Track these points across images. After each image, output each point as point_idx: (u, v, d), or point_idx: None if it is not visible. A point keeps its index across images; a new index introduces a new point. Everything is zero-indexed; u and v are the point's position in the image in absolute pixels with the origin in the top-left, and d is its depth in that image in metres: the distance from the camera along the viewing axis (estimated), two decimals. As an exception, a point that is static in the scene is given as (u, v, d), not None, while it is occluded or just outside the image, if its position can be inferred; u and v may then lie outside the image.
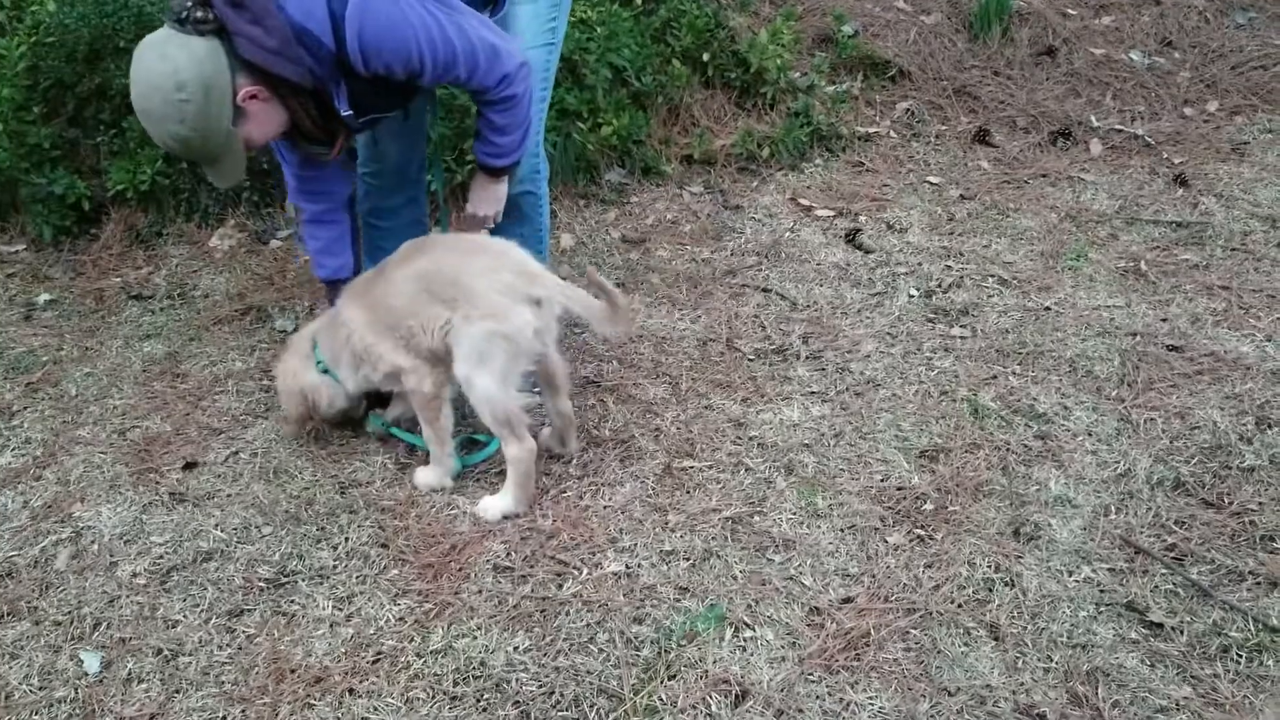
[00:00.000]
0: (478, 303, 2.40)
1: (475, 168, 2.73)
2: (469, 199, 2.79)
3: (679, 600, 2.28)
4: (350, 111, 2.43)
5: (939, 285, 3.53)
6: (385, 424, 2.80)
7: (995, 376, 3.04)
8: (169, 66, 2.21)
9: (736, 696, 2.05)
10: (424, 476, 2.64)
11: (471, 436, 2.78)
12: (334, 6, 2.29)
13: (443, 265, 2.49)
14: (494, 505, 2.53)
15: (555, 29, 2.82)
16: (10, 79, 3.60)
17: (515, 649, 2.16)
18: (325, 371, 2.68)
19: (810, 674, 2.10)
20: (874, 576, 2.35)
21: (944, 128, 4.68)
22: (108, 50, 3.61)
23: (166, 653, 2.18)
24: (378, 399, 2.80)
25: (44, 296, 3.53)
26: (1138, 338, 3.21)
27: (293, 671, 2.13)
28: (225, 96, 2.27)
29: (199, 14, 2.23)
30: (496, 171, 2.70)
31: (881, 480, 2.64)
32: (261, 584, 2.35)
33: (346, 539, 2.48)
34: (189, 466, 2.73)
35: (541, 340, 2.45)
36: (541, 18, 2.78)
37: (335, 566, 2.40)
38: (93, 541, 2.48)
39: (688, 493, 2.60)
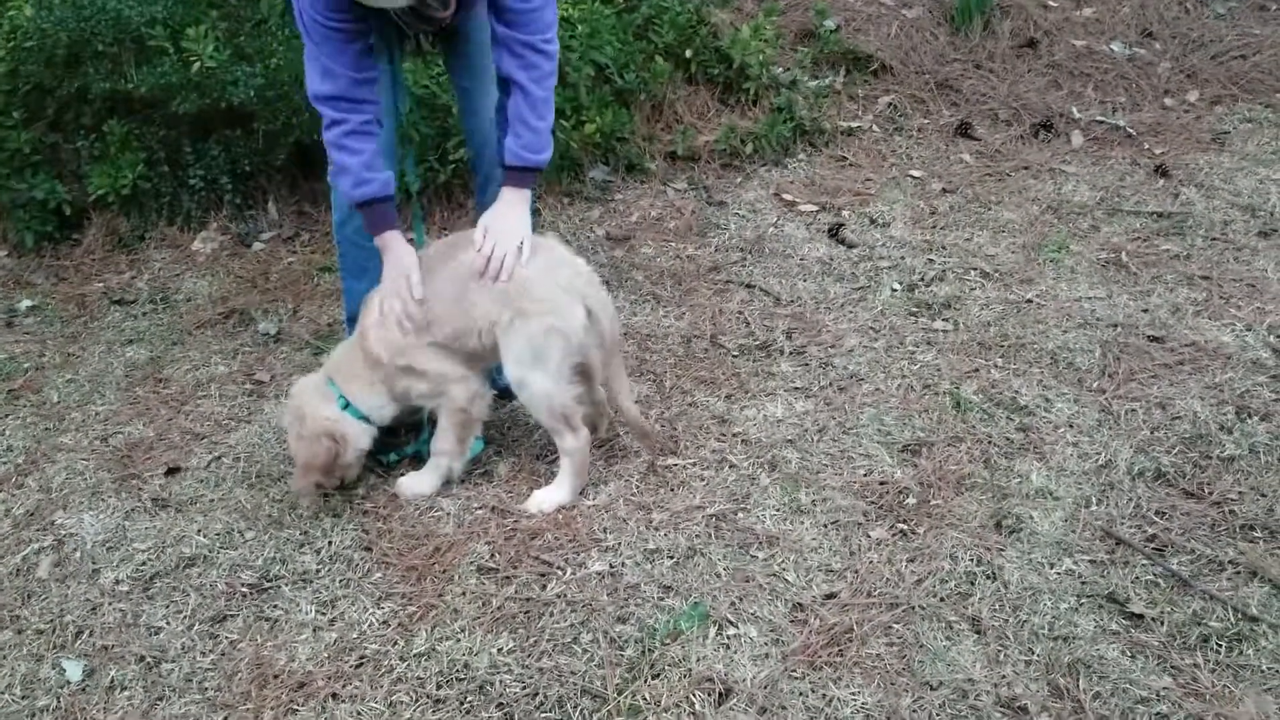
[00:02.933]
0: (537, 299, 2.42)
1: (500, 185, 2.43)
2: (489, 224, 2.46)
3: (663, 599, 2.28)
4: None
5: (921, 279, 3.54)
6: (398, 456, 2.73)
7: (977, 369, 3.05)
8: None
9: (720, 694, 2.06)
10: (414, 486, 2.61)
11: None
12: None
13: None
14: (549, 497, 2.54)
15: None
16: (-12, 84, 3.59)
17: (499, 651, 2.16)
18: (346, 407, 2.54)
19: (793, 670, 2.11)
20: (857, 572, 2.35)
21: (926, 121, 4.69)
22: (86, 54, 3.60)
23: (149, 660, 2.18)
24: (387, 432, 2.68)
25: (25, 303, 3.52)
26: (1119, 329, 3.22)
27: (276, 677, 2.12)
28: None
29: None
30: (527, 173, 2.45)
31: (864, 475, 2.65)
32: (244, 589, 2.35)
33: (329, 543, 2.47)
34: (171, 472, 2.72)
35: (589, 336, 2.48)
36: None
37: (318, 571, 2.40)
38: (75, 549, 2.48)
39: (671, 490, 2.60)
